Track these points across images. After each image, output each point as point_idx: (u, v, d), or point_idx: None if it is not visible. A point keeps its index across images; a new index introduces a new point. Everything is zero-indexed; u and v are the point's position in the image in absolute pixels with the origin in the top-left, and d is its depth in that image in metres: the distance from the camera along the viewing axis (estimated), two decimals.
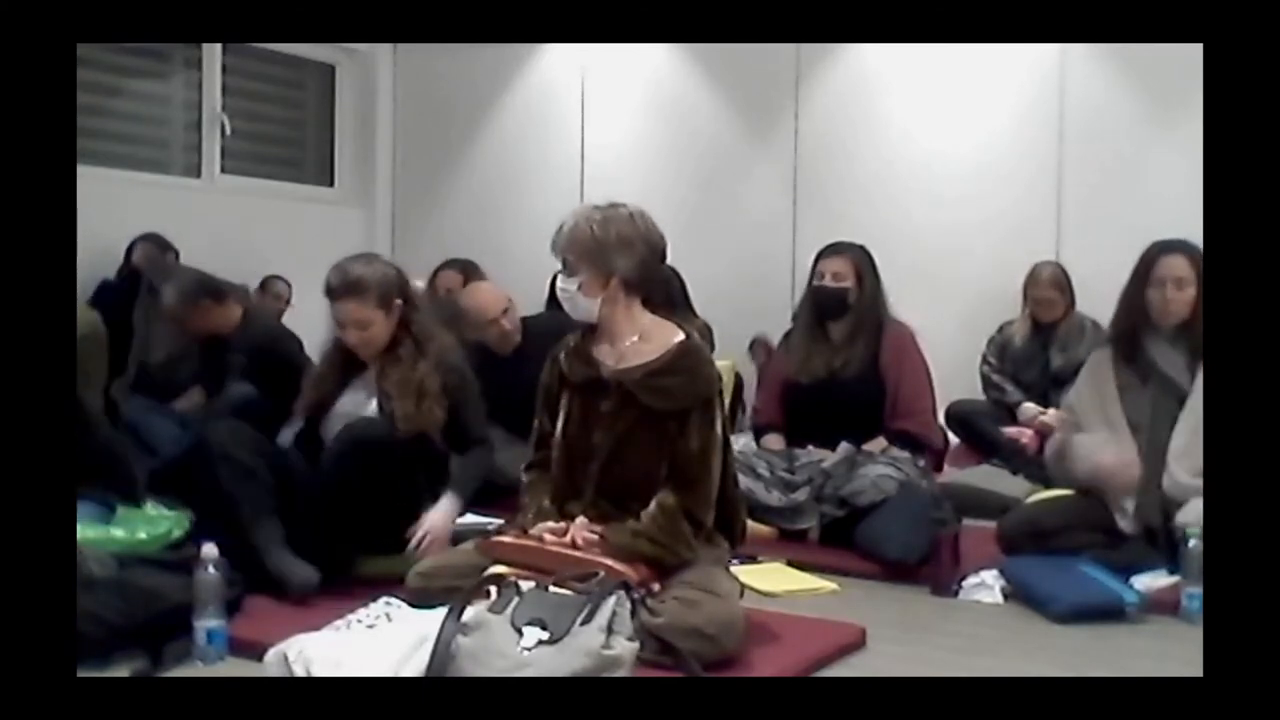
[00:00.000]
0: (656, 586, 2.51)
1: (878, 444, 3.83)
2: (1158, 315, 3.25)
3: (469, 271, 5.02)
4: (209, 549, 2.49)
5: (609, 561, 2.47)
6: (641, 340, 2.72)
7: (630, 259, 2.69)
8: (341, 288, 3.13)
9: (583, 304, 2.72)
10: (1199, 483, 3.11)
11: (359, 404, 3.19)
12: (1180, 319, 3.23)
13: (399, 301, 3.17)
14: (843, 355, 3.92)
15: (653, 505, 2.60)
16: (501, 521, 3.22)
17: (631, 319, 2.74)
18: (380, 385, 3.15)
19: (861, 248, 4.02)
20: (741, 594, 2.66)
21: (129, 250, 5.04)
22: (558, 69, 6.11)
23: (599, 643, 2.09)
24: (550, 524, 2.66)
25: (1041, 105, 5.14)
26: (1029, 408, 4.77)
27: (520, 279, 5.03)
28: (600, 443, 2.68)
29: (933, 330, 4.70)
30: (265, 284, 5.58)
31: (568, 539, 2.61)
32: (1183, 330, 3.24)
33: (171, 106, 5.82)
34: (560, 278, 2.75)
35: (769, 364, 4.44)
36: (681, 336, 2.73)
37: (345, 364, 3.26)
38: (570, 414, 2.74)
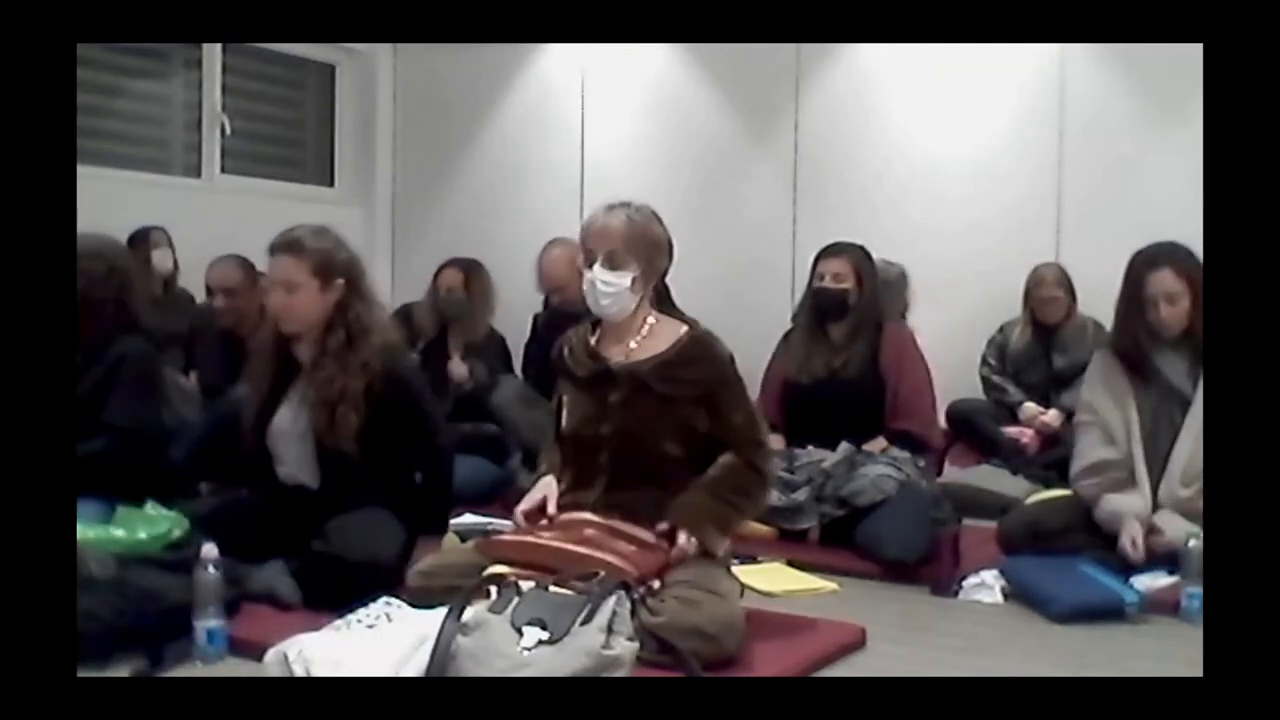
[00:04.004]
0: (657, 585, 2.52)
1: (878, 444, 3.83)
2: (1157, 330, 3.25)
3: (471, 270, 4.99)
4: (209, 549, 2.49)
5: (610, 559, 2.47)
6: (648, 337, 2.74)
7: (665, 260, 2.75)
8: (280, 243, 2.96)
9: (626, 301, 2.70)
10: (1190, 492, 3.11)
11: (294, 419, 2.99)
12: (1180, 329, 3.22)
13: (340, 281, 2.96)
14: (843, 355, 3.93)
15: (715, 466, 2.67)
16: (502, 521, 3.21)
17: (643, 318, 2.76)
18: (307, 386, 2.96)
19: (861, 248, 4.02)
20: (741, 594, 2.66)
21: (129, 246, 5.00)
22: (558, 69, 6.10)
23: (599, 643, 2.09)
24: (546, 489, 2.73)
25: (1041, 105, 5.13)
26: (1030, 407, 4.77)
27: (520, 279, 5.02)
28: (609, 434, 2.69)
29: (933, 330, 4.70)
30: None
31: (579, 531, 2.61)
32: (1184, 338, 3.23)
33: (171, 106, 5.80)
34: (601, 271, 2.68)
35: (769, 364, 4.44)
36: (687, 328, 2.75)
37: (281, 363, 3.04)
38: (575, 408, 2.75)
